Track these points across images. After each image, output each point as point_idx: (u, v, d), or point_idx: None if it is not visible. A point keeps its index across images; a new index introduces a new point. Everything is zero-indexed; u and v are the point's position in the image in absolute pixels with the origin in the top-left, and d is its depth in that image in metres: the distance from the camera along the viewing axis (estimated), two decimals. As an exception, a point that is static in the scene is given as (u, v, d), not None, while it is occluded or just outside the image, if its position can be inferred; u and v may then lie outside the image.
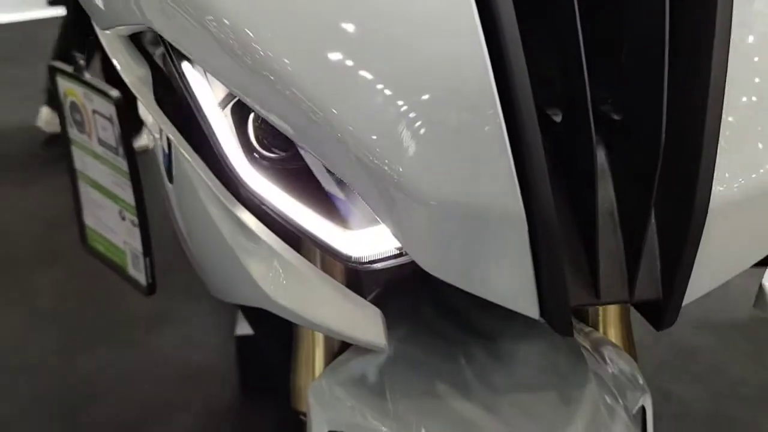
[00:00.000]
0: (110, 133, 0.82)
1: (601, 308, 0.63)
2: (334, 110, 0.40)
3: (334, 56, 0.40)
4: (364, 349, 0.57)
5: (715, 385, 1.50)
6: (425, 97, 0.39)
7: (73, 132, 0.92)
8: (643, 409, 0.56)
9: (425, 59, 0.40)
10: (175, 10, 0.45)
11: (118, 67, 0.57)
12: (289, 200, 0.48)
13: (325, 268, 0.54)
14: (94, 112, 0.84)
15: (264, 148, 0.49)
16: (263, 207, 0.48)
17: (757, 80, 0.42)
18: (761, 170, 0.42)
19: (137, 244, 0.86)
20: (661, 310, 0.43)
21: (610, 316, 0.63)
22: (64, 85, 0.88)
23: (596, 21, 0.42)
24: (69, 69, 0.87)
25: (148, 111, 0.54)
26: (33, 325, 1.69)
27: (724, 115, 0.40)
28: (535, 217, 0.39)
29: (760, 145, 0.42)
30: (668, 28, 0.39)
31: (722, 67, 0.40)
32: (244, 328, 1.42)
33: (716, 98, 0.40)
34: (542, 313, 0.43)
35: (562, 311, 0.42)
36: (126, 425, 1.41)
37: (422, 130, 0.39)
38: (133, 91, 0.55)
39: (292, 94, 0.41)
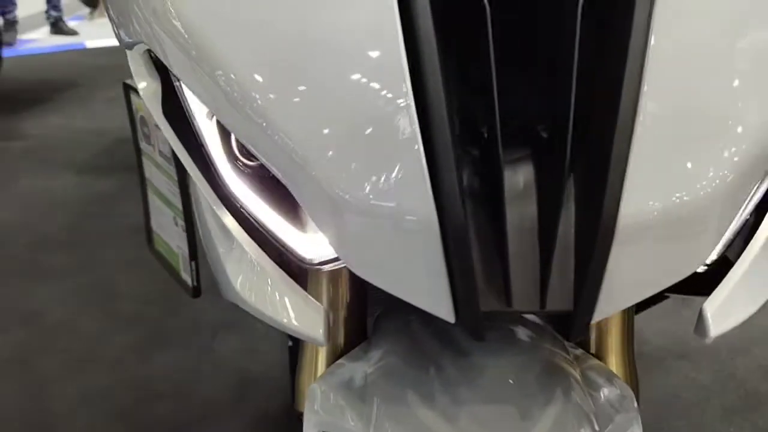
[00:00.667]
0: (167, 145, 0.90)
1: (601, 335, 0.63)
2: (280, 123, 0.44)
3: (279, 79, 0.44)
4: (356, 356, 0.60)
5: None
6: (348, 109, 0.42)
7: (142, 144, 1.01)
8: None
9: (351, 78, 0.42)
10: (158, 32, 0.50)
11: (136, 79, 0.63)
12: (260, 203, 0.52)
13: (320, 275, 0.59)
14: (156, 125, 0.92)
15: (245, 157, 0.54)
16: (242, 210, 0.53)
17: (673, 107, 0.42)
18: (673, 196, 0.41)
19: (186, 249, 0.93)
20: (570, 322, 0.44)
21: (610, 344, 0.63)
22: (134, 100, 0.97)
23: (522, 37, 0.43)
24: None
25: (156, 121, 0.60)
26: (113, 326, 1.82)
27: (636, 139, 0.40)
28: (446, 224, 0.40)
29: (673, 172, 0.41)
30: (578, 47, 0.40)
31: (633, 94, 0.40)
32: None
33: (625, 122, 0.40)
34: (457, 318, 0.44)
35: (474, 316, 0.43)
36: (184, 425, 1.49)
37: (348, 140, 0.42)
38: (145, 101, 0.61)
39: (244, 109, 0.45)
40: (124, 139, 2.99)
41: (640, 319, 1.63)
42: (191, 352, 1.71)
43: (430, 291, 0.44)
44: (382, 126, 0.41)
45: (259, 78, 0.44)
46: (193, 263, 0.92)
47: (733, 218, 0.46)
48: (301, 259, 0.53)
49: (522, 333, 0.59)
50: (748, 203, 0.52)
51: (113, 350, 1.72)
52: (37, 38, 5.15)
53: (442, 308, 0.44)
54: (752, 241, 0.53)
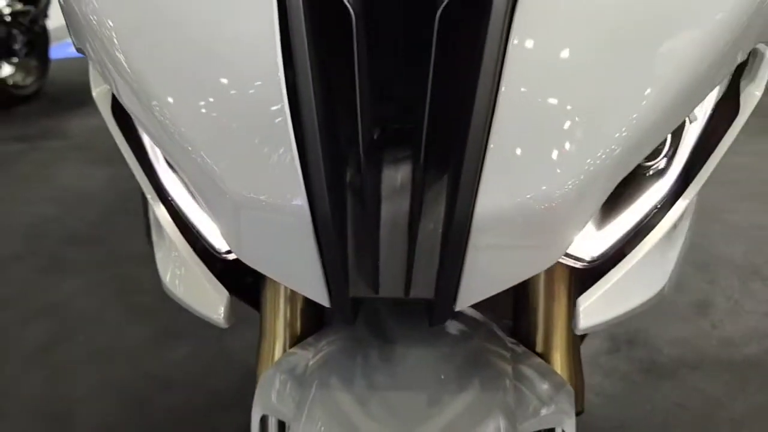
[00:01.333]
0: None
1: (548, 335, 0.64)
2: (179, 123, 0.46)
3: (177, 86, 0.46)
4: (307, 345, 0.62)
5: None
6: (232, 111, 0.44)
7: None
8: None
9: (235, 82, 0.44)
10: (96, 48, 0.53)
11: (91, 85, 0.66)
12: (186, 197, 0.56)
13: None
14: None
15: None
16: (171, 201, 0.57)
17: (531, 106, 0.42)
18: (528, 193, 0.42)
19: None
20: (432, 309, 0.46)
21: (556, 343, 0.64)
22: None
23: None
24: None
25: (105, 121, 0.63)
26: (132, 318, 1.89)
27: (492, 137, 0.41)
28: (315, 216, 0.42)
29: (528, 169, 0.42)
30: (434, 52, 0.41)
31: (489, 95, 0.41)
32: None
33: (479, 121, 0.41)
34: (331, 303, 0.46)
35: (344, 301, 0.46)
36: (194, 413, 1.54)
37: (232, 139, 0.43)
38: (97, 104, 0.64)
39: (152, 112, 0.48)
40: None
41: (654, 328, 1.61)
42: (202, 345, 1.77)
43: (307, 278, 0.46)
44: (262, 126, 0.43)
45: (161, 85, 0.46)
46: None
47: (592, 214, 0.46)
48: (213, 248, 0.56)
49: (454, 326, 0.60)
50: (636, 201, 0.53)
51: (132, 342, 1.79)
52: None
53: (318, 293, 0.46)
54: (641, 243, 0.53)
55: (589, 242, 0.52)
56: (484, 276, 0.45)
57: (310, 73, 0.40)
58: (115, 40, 0.48)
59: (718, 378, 1.61)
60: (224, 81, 0.44)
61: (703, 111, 0.55)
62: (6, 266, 2.17)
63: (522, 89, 0.42)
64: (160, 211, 0.59)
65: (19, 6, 3.68)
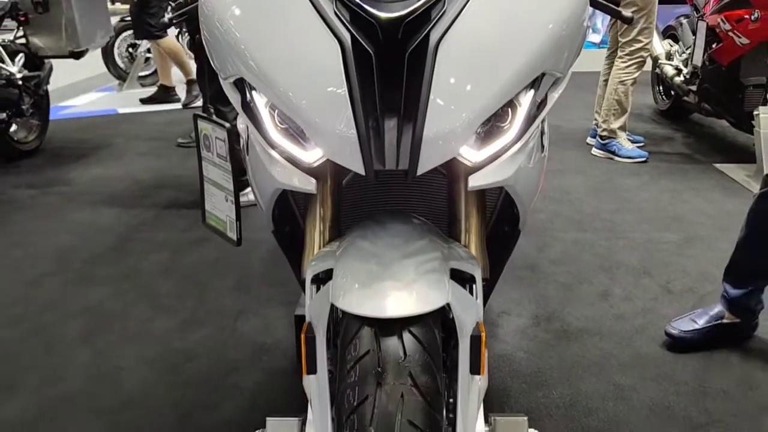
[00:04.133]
0: (223, 149, 1.46)
1: (468, 234, 1.15)
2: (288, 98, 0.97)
3: (287, 82, 0.97)
4: (333, 245, 1.12)
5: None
6: (317, 95, 0.95)
7: (203, 152, 1.56)
8: (472, 277, 1.07)
9: (315, 84, 0.95)
10: (240, 68, 1.04)
11: (229, 95, 1.17)
12: (286, 141, 1.05)
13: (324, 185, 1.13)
14: (216, 138, 1.48)
15: (280, 123, 1.08)
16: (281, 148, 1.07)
17: (450, 82, 0.94)
18: (447, 123, 0.92)
19: (233, 216, 1.47)
20: (407, 173, 0.95)
21: (472, 238, 1.15)
22: (200, 124, 1.54)
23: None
24: (204, 115, 1.53)
25: (240, 115, 1.14)
26: (157, 314, 2.34)
27: (431, 92, 0.92)
28: (361, 143, 0.93)
29: (448, 110, 0.93)
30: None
31: (430, 72, 0.92)
32: (300, 310, 1.98)
33: (426, 88, 0.92)
34: (366, 172, 0.94)
35: (371, 170, 0.94)
36: (215, 375, 2.00)
37: (317, 103, 0.95)
38: (235, 106, 1.15)
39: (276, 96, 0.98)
40: (157, 185, 3.63)
41: (567, 309, 2.14)
42: (219, 329, 2.23)
43: (354, 161, 0.95)
44: (332, 100, 0.94)
45: (281, 82, 0.97)
46: (238, 223, 1.47)
47: (474, 131, 0.98)
48: (306, 162, 1.04)
49: (417, 221, 1.11)
50: (497, 138, 1.03)
51: (159, 329, 2.24)
52: (75, 104, 5.81)
53: (358, 168, 0.95)
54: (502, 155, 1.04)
55: (473, 153, 1.01)
56: (428, 160, 0.94)
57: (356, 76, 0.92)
58: (258, 65, 0.99)
59: (611, 339, 2.14)
60: (313, 76, 0.95)
61: (526, 99, 1.06)
62: (41, 281, 2.60)
63: (441, 86, 0.93)
64: (271, 151, 1.09)
65: (26, 72, 4.19)
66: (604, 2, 1.27)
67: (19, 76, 4.06)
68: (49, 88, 4.49)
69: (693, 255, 2.73)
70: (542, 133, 1.21)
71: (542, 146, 1.21)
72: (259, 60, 0.99)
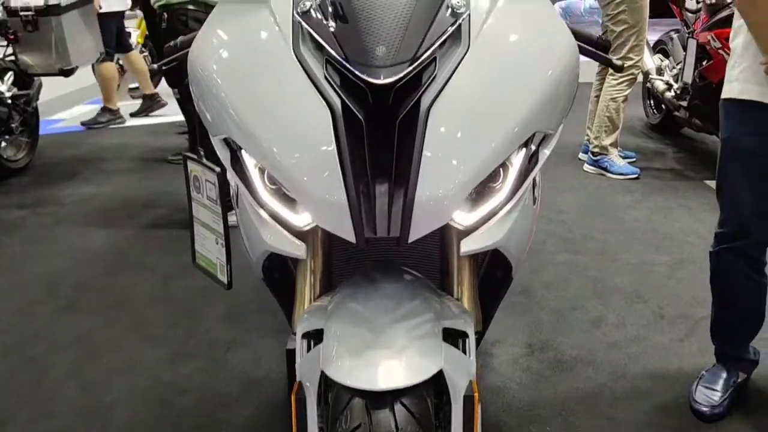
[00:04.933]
0: (213, 192, 1.44)
1: (461, 288, 1.14)
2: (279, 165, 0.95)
3: (278, 148, 0.95)
4: (324, 298, 1.11)
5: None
6: (307, 162, 0.94)
7: (193, 193, 1.55)
8: (465, 333, 1.06)
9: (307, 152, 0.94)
10: (229, 126, 1.02)
11: (218, 152, 1.15)
12: (276, 203, 1.03)
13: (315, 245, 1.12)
14: (206, 180, 1.46)
15: (269, 183, 1.07)
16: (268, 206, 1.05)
17: (441, 150, 0.93)
18: (439, 189, 0.92)
19: (224, 259, 1.46)
20: (398, 240, 0.93)
21: (464, 291, 1.14)
22: (190, 165, 1.52)
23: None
24: (194, 156, 1.51)
25: (229, 172, 1.12)
26: (147, 344, 2.32)
27: (423, 157, 0.91)
28: (350, 206, 0.91)
29: (440, 176, 0.92)
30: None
31: (422, 133, 0.91)
32: (291, 344, 1.96)
33: (418, 152, 0.90)
34: (357, 239, 0.93)
35: (362, 237, 0.92)
36: (205, 411, 1.98)
37: (308, 170, 0.93)
38: (224, 162, 1.14)
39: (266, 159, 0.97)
40: (147, 203, 3.60)
41: (560, 337, 2.13)
42: (209, 361, 2.21)
43: (344, 229, 0.94)
44: (321, 157, 0.92)
45: (270, 146, 0.96)
46: (228, 266, 1.45)
47: (465, 197, 0.96)
48: (296, 226, 1.03)
49: (408, 280, 1.10)
50: (488, 199, 1.02)
51: (149, 360, 2.22)
52: (64, 118, 5.78)
53: (349, 236, 0.93)
54: (492, 218, 1.02)
55: (465, 216, 1.01)
56: (419, 227, 0.93)
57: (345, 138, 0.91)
58: (246, 126, 0.98)
59: (605, 370, 2.14)
60: (303, 142, 0.94)
61: (518, 158, 1.06)
62: (31, 309, 2.57)
63: (433, 151, 0.92)
64: (261, 211, 1.07)
65: (15, 90, 4.16)
66: (594, 50, 1.26)
67: (8, 94, 4.04)
68: (38, 101, 4.47)
69: (685, 278, 2.73)
70: (534, 185, 1.20)
71: (534, 198, 1.20)
72: (248, 122, 0.98)
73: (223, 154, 1.09)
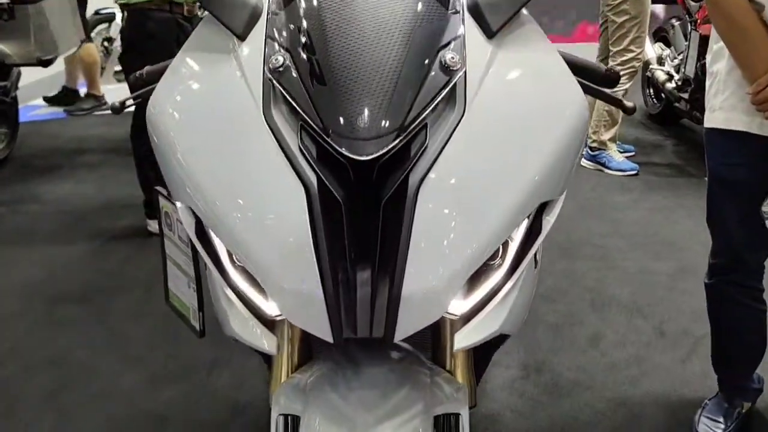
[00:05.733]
0: (185, 233, 1.32)
1: (454, 360, 1.03)
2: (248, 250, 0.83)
3: (245, 233, 0.82)
4: (304, 371, 1.00)
5: None
6: (278, 250, 0.81)
7: (165, 230, 1.43)
8: (458, 415, 0.95)
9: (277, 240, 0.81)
10: (196, 203, 0.90)
11: (182, 219, 1.01)
12: (245, 283, 0.92)
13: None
14: (177, 220, 1.34)
15: (240, 260, 0.95)
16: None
17: (430, 242, 0.80)
18: (430, 281, 0.79)
19: (196, 305, 1.34)
20: (383, 340, 0.81)
21: (458, 364, 1.04)
22: (162, 201, 1.40)
23: None
24: (165, 192, 1.39)
25: (192, 240, 0.99)
26: (126, 366, 2.21)
27: (411, 248, 0.78)
28: (327, 300, 0.79)
29: (428, 268, 0.79)
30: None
31: (409, 221, 0.78)
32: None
33: (404, 241, 0.78)
34: (335, 339, 0.81)
35: (340, 338, 0.81)
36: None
37: (279, 261, 0.80)
38: (186, 229, 1.00)
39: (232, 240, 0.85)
40: (131, 205, 3.44)
41: (556, 351, 2.03)
42: (191, 385, 2.11)
43: (320, 327, 0.82)
44: (296, 248, 0.80)
45: (235, 228, 0.83)
46: (200, 314, 1.34)
47: (460, 288, 0.85)
48: (267, 314, 0.93)
49: (396, 354, 0.99)
50: (484, 281, 0.91)
51: (128, 385, 2.11)
52: (45, 104, 5.59)
53: (326, 335, 0.82)
54: (489, 303, 0.91)
55: (458, 303, 0.90)
56: (407, 325, 0.82)
57: (323, 228, 0.79)
58: (209, 202, 0.87)
59: (604, 396, 2.05)
60: (273, 225, 0.81)
61: (518, 233, 0.96)
62: (5, 324, 2.46)
63: (423, 237, 0.80)
64: (229, 292, 0.96)
65: (-9, 81, 4.00)
66: (601, 90, 1.14)
67: (-17, 86, 3.88)
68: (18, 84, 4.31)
69: (686, 290, 2.63)
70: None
71: (536, 261, 1.08)
72: (211, 198, 0.86)
73: (187, 221, 0.97)
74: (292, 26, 0.92)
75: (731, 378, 1.92)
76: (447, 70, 0.86)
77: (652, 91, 4.88)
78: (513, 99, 0.90)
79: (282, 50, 0.89)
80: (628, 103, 1.17)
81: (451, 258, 0.82)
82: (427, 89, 0.84)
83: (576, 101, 0.94)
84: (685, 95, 4.10)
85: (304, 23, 0.90)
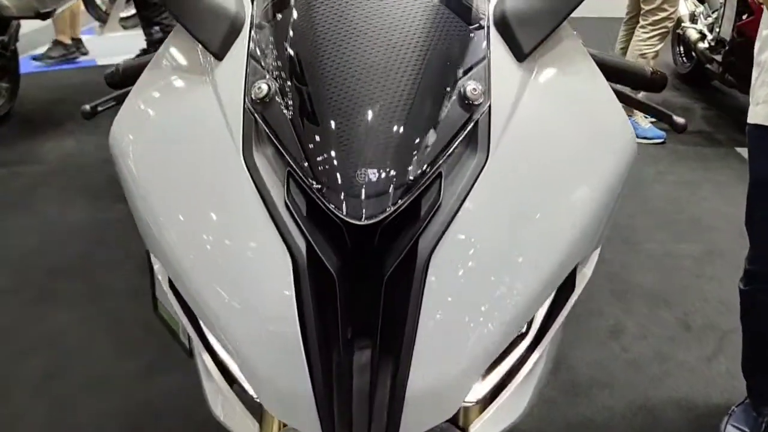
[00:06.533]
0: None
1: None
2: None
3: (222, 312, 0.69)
4: None
5: None
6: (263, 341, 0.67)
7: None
8: None
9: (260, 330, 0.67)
10: (163, 260, 0.75)
11: (158, 275, 0.88)
12: (227, 355, 0.78)
13: None
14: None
15: None
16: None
17: (441, 328, 0.65)
18: (441, 377, 0.65)
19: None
20: None
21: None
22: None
23: None
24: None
25: (170, 295, 0.85)
26: (122, 351, 2.13)
27: (417, 342, 0.63)
28: (317, 397, 0.66)
29: (440, 361, 0.65)
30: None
31: (414, 314, 0.64)
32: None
33: (410, 335, 0.64)
34: None
35: None
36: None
37: (263, 351, 0.67)
38: (162, 283, 0.85)
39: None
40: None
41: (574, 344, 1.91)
42: (188, 376, 2.01)
43: (308, 421, 0.69)
44: (283, 338, 0.66)
45: (206, 300, 0.70)
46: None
47: (478, 378, 0.72)
48: (250, 394, 0.79)
49: None
50: (503, 360, 0.77)
51: (123, 373, 2.03)
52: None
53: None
54: (508, 386, 0.77)
55: (475, 388, 0.75)
56: (412, 425, 0.68)
57: (313, 314, 0.65)
58: (176, 259, 0.72)
59: (623, 396, 1.93)
60: (250, 300, 0.68)
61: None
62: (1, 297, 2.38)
63: (434, 318, 0.65)
64: (210, 365, 0.82)
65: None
66: (653, 105, 0.98)
67: (-20, 40, 3.71)
68: (20, 32, 4.13)
69: (713, 276, 2.48)
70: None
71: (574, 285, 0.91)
72: (177, 258, 0.71)
73: (160, 270, 0.84)
74: (280, 44, 0.75)
75: (762, 387, 1.79)
76: (468, 104, 0.70)
77: (682, 49, 4.62)
78: (548, 140, 0.74)
79: (267, 75, 0.74)
80: (679, 119, 1.00)
81: (469, 344, 0.67)
82: (443, 129, 0.68)
83: (624, 138, 0.79)
84: (718, 57, 3.86)
85: (296, 41, 0.74)
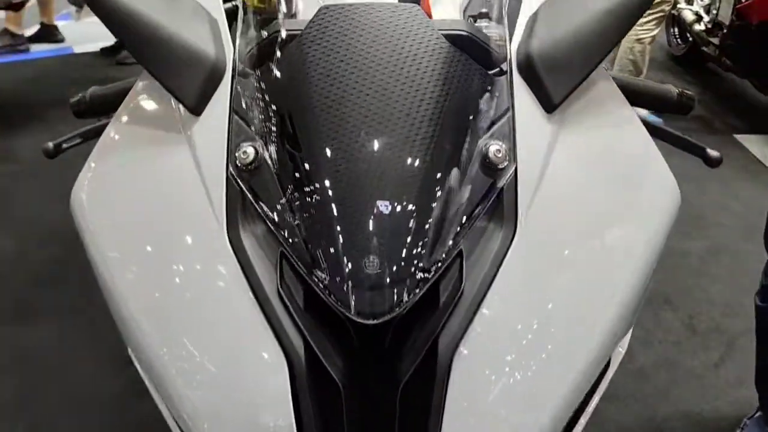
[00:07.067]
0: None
1: None
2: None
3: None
4: None
5: None
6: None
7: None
8: None
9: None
10: (134, 354, 0.66)
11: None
12: None
13: None
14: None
15: None
16: None
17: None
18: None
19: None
20: None
21: None
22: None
23: None
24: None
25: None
26: (105, 367, 2.02)
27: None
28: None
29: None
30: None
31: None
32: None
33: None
34: None
35: None
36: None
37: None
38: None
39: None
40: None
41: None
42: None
43: None
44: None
45: (190, 412, 0.60)
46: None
47: None
48: None
49: None
50: None
51: (106, 392, 1.92)
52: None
53: None
54: None
55: None
56: None
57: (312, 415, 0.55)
58: (150, 354, 0.63)
59: (630, 409, 1.86)
60: (238, 411, 0.58)
61: None
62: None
63: (460, 416, 0.55)
64: None
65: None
66: (686, 138, 0.88)
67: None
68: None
69: (718, 275, 2.41)
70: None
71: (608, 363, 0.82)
72: (151, 353, 0.62)
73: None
74: (267, 98, 0.63)
75: None
76: (491, 169, 0.59)
77: (677, 30, 4.52)
78: (583, 208, 0.64)
79: (254, 135, 0.62)
80: (713, 153, 0.91)
81: None
82: (464, 202, 0.58)
83: (666, 193, 0.69)
84: (715, 40, 3.76)
85: (287, 94, 0.63)
